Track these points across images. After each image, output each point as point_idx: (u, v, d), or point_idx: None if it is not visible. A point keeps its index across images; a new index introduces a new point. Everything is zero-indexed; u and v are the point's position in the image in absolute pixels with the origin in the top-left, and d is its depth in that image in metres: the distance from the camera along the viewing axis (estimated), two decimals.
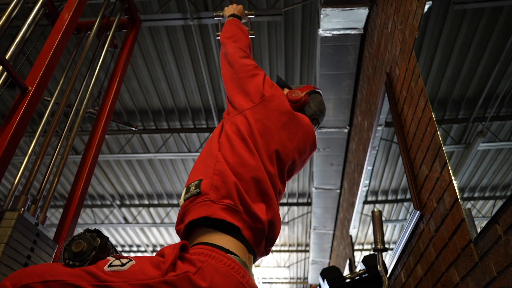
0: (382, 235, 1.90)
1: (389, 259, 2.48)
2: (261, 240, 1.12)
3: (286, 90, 1.54)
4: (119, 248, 9.06)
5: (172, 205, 7.49)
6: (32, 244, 1.54)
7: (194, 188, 1.11)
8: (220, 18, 2.04)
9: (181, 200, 1.13)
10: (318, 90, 1.55)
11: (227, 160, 1.15)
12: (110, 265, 0.89)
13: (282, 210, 7.50)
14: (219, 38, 1.76)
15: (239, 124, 1.23)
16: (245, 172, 1.13)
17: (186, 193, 1.13)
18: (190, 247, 1.03)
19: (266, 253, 1.20)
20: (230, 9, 1.87)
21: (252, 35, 2.03)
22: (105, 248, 0.93)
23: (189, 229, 1.11)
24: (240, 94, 1.33)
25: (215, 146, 1.21)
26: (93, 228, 0.96)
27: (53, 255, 1.68)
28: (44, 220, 1.79)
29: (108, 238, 0.96)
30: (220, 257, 0.97)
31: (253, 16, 2.04)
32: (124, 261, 0.91)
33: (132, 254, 9.19)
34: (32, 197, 1.73)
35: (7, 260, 1.39)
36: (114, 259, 0.92)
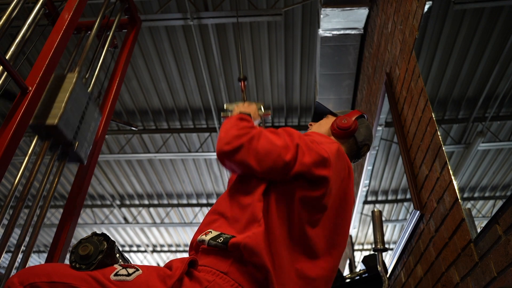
0: (382, 235, 1.90)
1: (389, 259, 2.48)
2: None
3: (330, 117, 1.48)
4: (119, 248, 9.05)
5: (172, 205, 7.49)
6: (86, 103, 1.96)
7: (223, 240, 0.99)
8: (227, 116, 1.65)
9: (206, 239, 1.03)
10: (364, 114, 1.49)
11: (270, 232, 1.01)
12: (116, 274, 0.89)
13: None
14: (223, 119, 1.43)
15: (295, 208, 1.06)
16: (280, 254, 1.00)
17: (215, 238, 1.01)
18: (199, 264, 1.00)
19: None
20: (239, 107, 1.39)
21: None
22: (111, 252, 0.93)
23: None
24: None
25: (258, 210, 1.02)
26: (101, 232, 0.96)
27: (98, 122, 2.12)
28: (92, 93, 2.13)
29: (114, 242, 0.96)
30: (228, 278, 0.95)
31: (270, 116, 1.63)
32: (130, 270, 0.90)
33: (132, 254, 9.19)
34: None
35: (72, 105, 1.82)
36: (120, 268, 0.91)
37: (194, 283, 0.90)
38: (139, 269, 0.91)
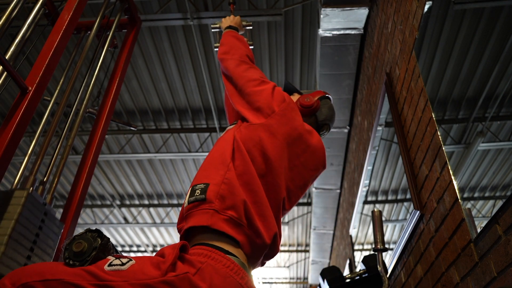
0: (382, 235, 1.90)
1: (389, 259, 2.48)
2: (260, 256, 1.11)
3: (296, 95, 1.53)
4: (119, 248, 9.06)
5: (172, 205, 7.49)
6: (40, 222, 1.57)
7: (199, 192, 1.09)
8: (217, 30, 2.01)
9: (185, 202, 1.12)
10: (329, 96, 1.55)
11: (238, 172, 1.12)
12: (110, 264, 0.89)
13: None
14: (217, 49, 1.74)
15: (251, 139, 1.20)
16: (255, 189, 1.11)
17: (191, 195, 1.11)
18: (190, 247, 1.03)
19: (262, 265, 1.19)
20: (227, 21, 1.83)
21: (251, 46, 1.96)
22: (105, 248, 0.93)
23: (190, 229, 1.11)
24: (250, 111, 1.30)
25: (228, 153, 1.18)
26: (94, 228, 0.96)
27: (60, 235, 1.71)
28: (51, 201, 1.80)
29: (109, 239, 0.96)
30: (220, 258, 0.97)
31: (251, 27, 1.99)
32: (124, 260, 0.91)
33: (132, 254, 9.19)
34: (41, 176, 1.77)
35: (18, 236, 1.43)
36: (114, 258, 0.92)
37: (187, 265, 0.92)
38: (132, 259, 0.92)
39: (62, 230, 1.73)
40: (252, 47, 1.92)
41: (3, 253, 1.35)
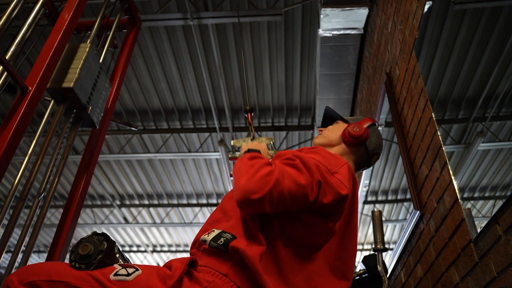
0: (382, 235, 1.90)
1: (389, 259, 2.48)
2: None
3: (340, 123, 1.45)
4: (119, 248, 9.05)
5: (172, 205, 7.48)
6: (98, 71, 2.14)
7: (223, 242, 0.99)
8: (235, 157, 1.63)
9: (208, 239, 1.03)
10: (376, 122, 1.47)
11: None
12: (116, 274, 0.88)
13: None
14: (231, 161, 1.40)
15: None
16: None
17: (216, 238, 1.01)
18: (199, 264, 1.00)
19: None
20: (250, 146, 1.33)
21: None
22: (111, 252, 0.93)
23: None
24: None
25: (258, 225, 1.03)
26: (101, 232, 0.96)
27: (108, 92, 2.29)
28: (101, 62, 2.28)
29: (115, 242, 0.95)
30: (228, 279, 0.95)
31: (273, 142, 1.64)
32: (130, 270, 0.90)
33: (132, 254, 9.19)
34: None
35: (86, 71, 2.00)
36: (120, 267, 0.91)
37: (193, 283, 0.90)
38: (139, 269, 0.91)
39: (110, 88, 2.31)
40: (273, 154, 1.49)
41: (76, 80, 1.90)
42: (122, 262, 0.97)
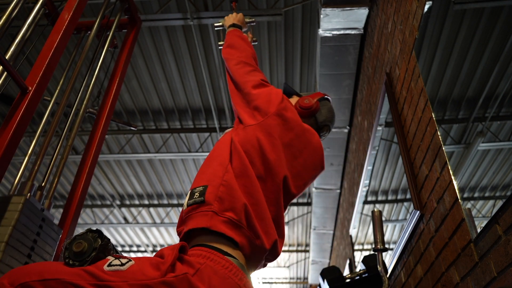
0: (382, 235, 1.90)
1: (389, 259, 2.48)
2: (261, 258, 1.10)
3: (295, 98, 1.53)
4: (119, 248, 9.06)
5: (172, 205, 7.49)
6: (38, 228, 1.57)
7: (198, 195, 1.08)
8: (221, 28, 1.99)
9: (184, 205, 1.12)
10: (328, 97, 1.54)
11: (236, 174, 1.12)
12: (109, 265, 0.89)
13: None
14: (221, 48, 1.74)
15: (249, 140, 1.19)
16: (253, 191, 1.10)
17: (190, 198, 1.11)
18: (189, 248, 1.03)
19: (264, 266, 1.19)
20: (230, 19, 1.81)
21: (255, 42, 1.97)
22: (105, 249, 0.93)
23: (189, 232, 1.10)
24: (247, 110, 1.30)
25: (226, 155, 1.17)
26: (94, 229, 0.96)
27: (58, 241, 1.70)
28: (50, 206, 1.80)
29: (109, 240, 0.96)
30: (218, 259, 0.97)
31: (254, 23, 1.98)
32: (123, 261, 0.91)
33: (132, 254, 9.19)
34: (38, 182, 1.77)
35: (15, 243, 1.43)
36: (113, 258, 0.91)
37: (186, 266, 0.92)
38: (132, 259, 0.92)
39: (60, 236, 1.74)
40: (256, 42, 1.92)
41: (0, 260, 1.35)
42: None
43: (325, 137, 1.52)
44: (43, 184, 1.81)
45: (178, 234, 1.15)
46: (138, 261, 0.92)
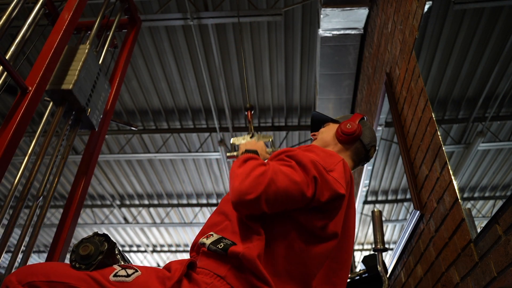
0: (382, 235, 1.90)
1: (389, 259, 2.48)
2: None
3: (331, 125, 1.45)
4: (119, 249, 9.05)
5: (172, 205, 7.48)
6: (97, 74, 2.12)
7: (223, 246, 0.99)
8: (234, 158, 1.64)
9: (207, 243, 1.03)
10: (364, 116, 1.48)
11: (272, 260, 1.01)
12: (115, 275, 0.89)
13: None
14: (229, 160, 1.40)
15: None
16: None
17: (215, 242, 1.01)
18: (198, 267, 1.01)
19: None
20: (247, 146, 1.36)
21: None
22: (111, 253, 0.93)
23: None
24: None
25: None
26: (102, 233, 0.96)
27: (107, 94, 2.27)
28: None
29: (115, 244, 0.96)
30: (225, 281, 0.95)
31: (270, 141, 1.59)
32: (129, 271, 0.90)
33: (132, 254, 9.19)
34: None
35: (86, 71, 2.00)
36: (120, 268, 0.91)
37: (192, 285, 0.91)
38: (138, 270, 0.91)
39: (109, 90, 2.30)
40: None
41: (76, 78, 1.90)
42: (122, 263, 0.97)
43: (374, 163, 1.45)
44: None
45: (190, 252, 1.14)
46: (144, 272, 0.91)
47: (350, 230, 1.19)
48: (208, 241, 1.03)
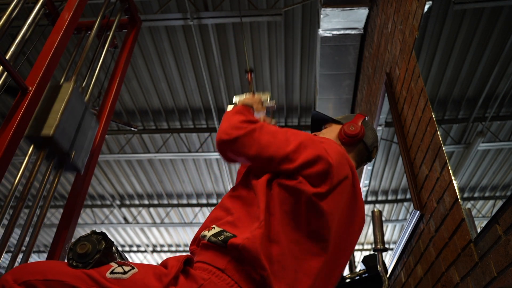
0: (382, 235, 1.90)
1: (389, 259, 2.48)
2: None
3: (333, 125, 1.44)
4: (119, 248, 9.05)
5: (172, 205, 7.49)
6: (82, 113, 1.95)
7: (223, 238, 1.00)
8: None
9: (207, 235, 1.04)
10: (366, 116, 1.47)
11: (274, 236, 1.01)
12: (112, 272, 0.88)
13: None
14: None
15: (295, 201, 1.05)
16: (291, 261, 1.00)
17: (216, 235, 1.02)
18: (195, 261, 1.01)
19: None
20: (245, 100, 1.40)
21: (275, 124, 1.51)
22: (109, 252, 0.93)
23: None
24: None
25: (262, 206, 1.03)
26: (99, 231, 0.96)
27: (96, 130, 2.10)
28: (88, 102, 2.13)
29: (113, 242, 0.95)
30: (224, 276, 0.95)
31: (274, 108, 1.59)
32: (126, 268, 0.90)
33: (132, 254, 9.19)
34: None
35: (68, 113, 1.80)
36: (116, 265, 0.91)
37: (189, 281, 0.91)
38: (135, 267, 0.91)
39: (97, 127, 2.13)
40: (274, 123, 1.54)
41: (58, 122, 1.72)
42: (119, 261, 0.97)
43: (374, 163, 1.45)
44: (86, 76, 2.24)
45: (190, 247, 1.14)
46: (141, 270, 0.91)
47: (355, 225, 1.19)
48: (209, 234, 1.04)
